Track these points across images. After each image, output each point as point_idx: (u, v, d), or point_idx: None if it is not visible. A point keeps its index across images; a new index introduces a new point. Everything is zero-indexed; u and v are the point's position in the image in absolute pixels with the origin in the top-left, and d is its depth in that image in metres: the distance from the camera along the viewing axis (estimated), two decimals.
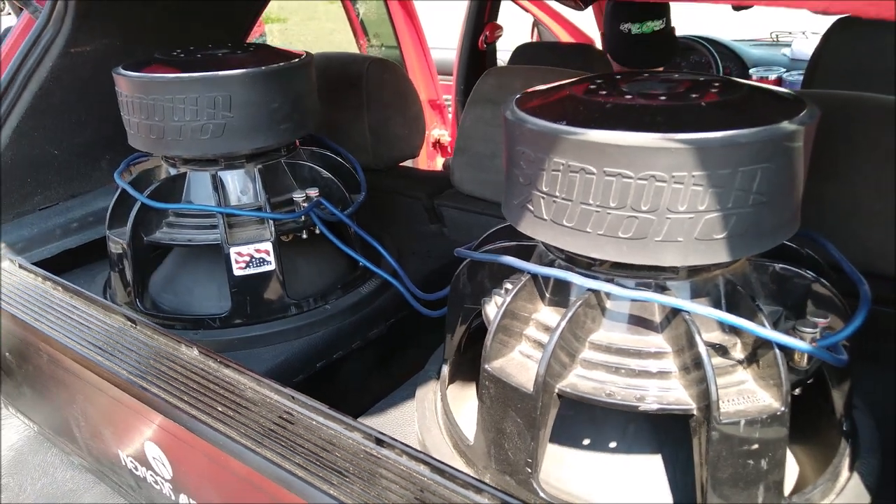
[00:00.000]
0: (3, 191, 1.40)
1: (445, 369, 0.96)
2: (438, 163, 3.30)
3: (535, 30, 3.88)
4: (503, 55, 3.09)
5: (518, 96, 0.82)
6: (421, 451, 0.66)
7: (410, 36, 3.25)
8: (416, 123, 1.72)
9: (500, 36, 3.02)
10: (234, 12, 1.63)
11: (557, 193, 0.70)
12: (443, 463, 0.65)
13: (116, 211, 1.20)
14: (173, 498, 0.83)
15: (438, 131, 3.19)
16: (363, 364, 1.26)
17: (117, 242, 1.19)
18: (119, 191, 1.20)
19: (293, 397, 0.74)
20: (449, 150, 3.29)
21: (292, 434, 0.70)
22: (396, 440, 0.67)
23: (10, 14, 6.57)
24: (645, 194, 0.65)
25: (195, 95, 1.09)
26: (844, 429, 0.81)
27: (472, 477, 0.63)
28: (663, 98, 0.75)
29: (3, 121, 1.35)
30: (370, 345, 1.27)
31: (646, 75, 0.84)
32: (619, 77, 0.85)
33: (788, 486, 0.77)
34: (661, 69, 2.34)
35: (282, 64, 1.16)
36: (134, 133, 1.17)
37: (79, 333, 0.90)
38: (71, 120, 1.44)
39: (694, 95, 0.75)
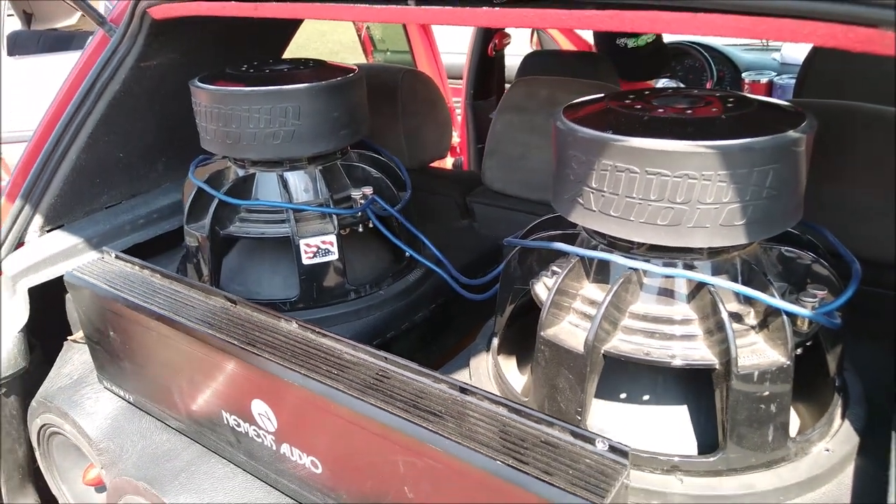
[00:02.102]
0: (75, 190, 1.54)
1: (496, 341, 1.11)
2: (448, 162, 3.45)
3: (535, 35, 4.04)
4: (510, 60, 3.26)
5: (563, 108, 0.98)
6: (499, 396, 0.82)
7: (422, 41, 3.40)
8: (445, 127, 1.88)
9: (508, 43, 3.18)
10: (269, 33, 1.79)
11: (605, 189, 0.85)
12: (518, 404, 0.80)
13: (193, 208, 1.35)
14: (275, 448, 0.98)
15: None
16: (409, 343, 1.42)
17: (195, 235, 1.34)
18: (195, 189, 1.34)
19: (386, 358, 0.90)
20: (458, 150, 3.45)
21: (389, 387, 0.86)
22: (478, 388, 0.83)
23: (12, 15, 6.64)
24: (679, 189, 0.81)
25: (269, 106, 1.24)
26: (837, 385, 0.97)
27: (544, 413, 0.78)
28: (689, 111, 0.91)
29: (80, 127, 1.49)
30: (416, 326, 1.42)
31: (669, 91, 1.01)
32: (647, 92, 1.01)
33: (792, 431, 0.92)
34: (676, 84, 2.52)
35: (341, 78, 1.32)
36: (210, 138, 1.32)
37: (186, 312, 1.05)
38: (136, 126, 1.58)
39: (714, 109, 0.91)
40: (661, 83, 3.76)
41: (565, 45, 3.56)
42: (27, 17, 7.29)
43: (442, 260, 1.37)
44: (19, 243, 1.49)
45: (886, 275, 1.17)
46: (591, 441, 0.74)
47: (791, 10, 0.76)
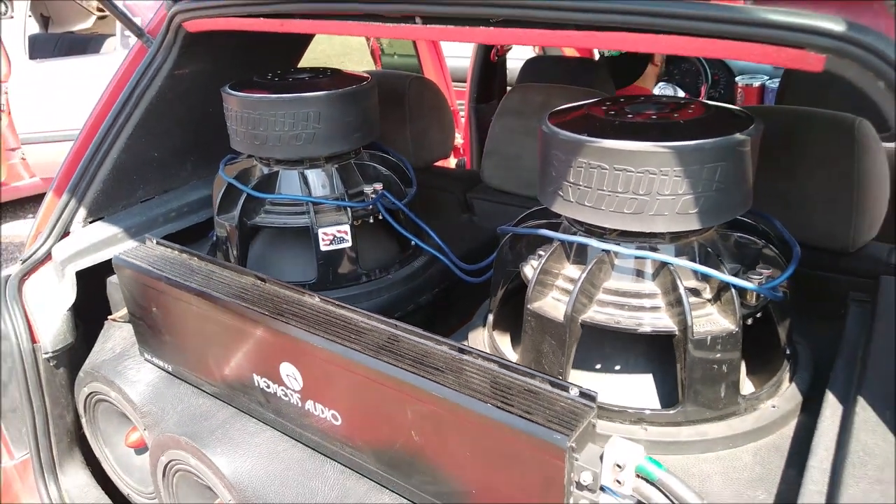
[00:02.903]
0: (115, 186, 1.71)
1: (491, 317, 1.27)
2: (452, 162, 3.61)
3: None
4: (513, 63, 3.41)
5: (549, 114, 1.14)
6: (491, 354, 0.98)
7: (428, 47, 3.56)
8: (449, 130, 2.05)
9: (510, 49, 3.34)
10: (288, 45, 1.95)
11: (581, 183, 1.01)
12: (506, 360, 0.96)
13: (223, 201, 1.51)
14: (300, 405, 1.14)
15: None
16: (414, 324, 1.57)
17: (224, 225, 1.50)
18: (226, 185, 1.51)
19: (396, 325, 1.06)
20: (461, 151, 3.61)
21: (398, 349, 1.02)
22: (474, 348, 0.99)
23: (12, 17, 6.78)
24: (642, 183, 0.96)
25: (292, 111, 1.41)
26: (787, 353, 1.12)
27: (527, 367, 0.94)
28: (654, 117, 1.06)
29: (120, 129, 1.65)
30: (420, 308, 1.58)
31: (642, 99, 1.16)
32: (622, 100, 1.17)
33: (747, 391, 1.08)
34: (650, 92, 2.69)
35: (356, 86, 1.48)
36: (239, 139, 1.49)
37: (221, 289, 1.21)
38: (169, 128, 1.75)
39: (675, 115, 1.07)
40: (659, 87, 3.92)
41: (568, 50, 3.72)
42: (44, 21, 7.47)
43: (443, 248, 1.53)
44: (65, 233, 1.66)
45: (836, 261, 1.32)
46: (565, 389, 0.90)
47: (737, 34, 0.92)
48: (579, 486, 0.86)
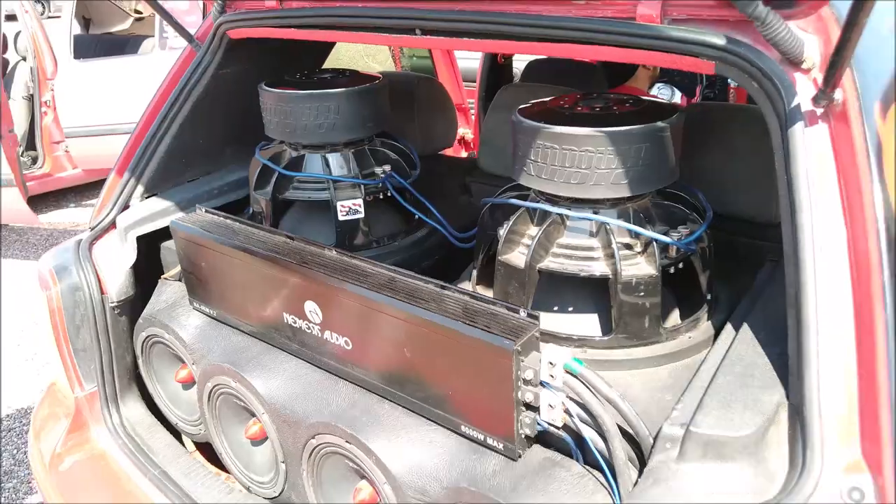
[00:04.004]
0: (166, 168, 2.02)
1: (474, 272, 1.57)
2: (463, 155, 3.91)
3: None
4: (517, 65, 3.70)
5: (519, 108, 1.43)
6: (465, 290, 1.27)
7: (441, 51, 3.86)
8: (452, 123, 2.34)
9: (522, 53, 3.62)
10: (314, 50, 2.26)
11: (539, 160, 1.30)
12: (476, 293, 1.26)
13: (259, 179, 1.82)
14: (320, 335, 1.44)
15: (463, 130, 3.80)
16: None
17: (259, 200, 1.81)
18: (261, 166, 1.82)
19: (395, 271, 1.36)
20: (472, 145, 3.91)
21: (396, 286, 1.31)
22: (450, 286, 1.28)
23: (59, 17, 7.14)
24: (584, 160, 1.25)
25: (317, 104, 1.71)
26: (707, 298, 1.40)
27: (491, 298, 1.24)
28: (598, 109, 1.35)
29: (172, 120, 1.97)
30: (423, 272, 1.87)
31: (595, 95, 1.45)
32: (579, 96, 1.46)
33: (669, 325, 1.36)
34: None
35: (369, 84, 1.78)
36: (272, 128, 1.80)
37: (259, 246, 1.52)
38: (212, 120, 2.05)
39: (615, 108, 1.35)
40: (657, 87, 4.17)
41: None
42: (86, 22, 7.87)
43: (441, 220, 1.83)
44: (126, 206, 1.98)
45: (764, 231, 1.59)
46: (516, 311, 1.19)
47: (655, 46, 1.20)
48: (525, 382, 1.15)
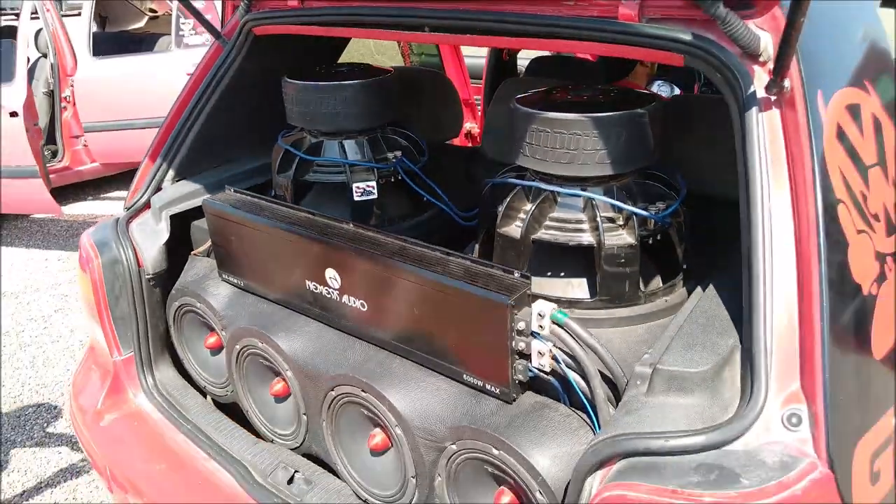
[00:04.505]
0: (195, 154, 2.20)
1: (476, 246, 1.75)
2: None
3: None
4: (521, 62, 3.88)
5: (517, 97, 1.60)
6: (466, 255, 1.45)
7: (448, 47, 4.03)
8: (458, 114, 2.52)
9: (520, 50, 3.80)
10: (330, 45, 2.44)
11: (533, 142, 1.47)
12: (475, 258, 1.43)
13: (281, 164, 2.00)
14: (339, 299, 1.62)
15: (470, 124, 3.98)
16: None
17: (282, 182, 2.00)
18: (283, 151, 2.00)
19: (404, 240, 1.54)
20: (478, 139, 4.08)
21: (406, 253, 1.49)
22: (455, 252, 1.46)
23: (79, 14, 7.32)
24: (572, 142, 1.43)
25: (334, 95, 1.89)
26: (683, 267, 1.58)
27: (489, 262, 1.41)
28: (586, 98, 1.53)
29: (200, 110, 2.15)
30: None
31: (584, 86, 1.63)
32: (570, 87, 1.63)
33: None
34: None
35: (380, 77, 1.96)
36: (294, 116, 1.98)
37: (284, 221, 1.70)
38: (236, 110, 2.24)
39: (601, 97, 1.53)
40: (657, 84, 4.34)
41: None
42: (102, 20, 8.07)
43: (446, 201, 2.01)
44: (158, 188, 2.16)
45: (735, 209, 1.76)
46: (511, 273, 1.37)
47: (632, 41, 1.37)
48: (518, 333, 1.33)
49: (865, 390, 1.18)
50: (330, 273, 1.61)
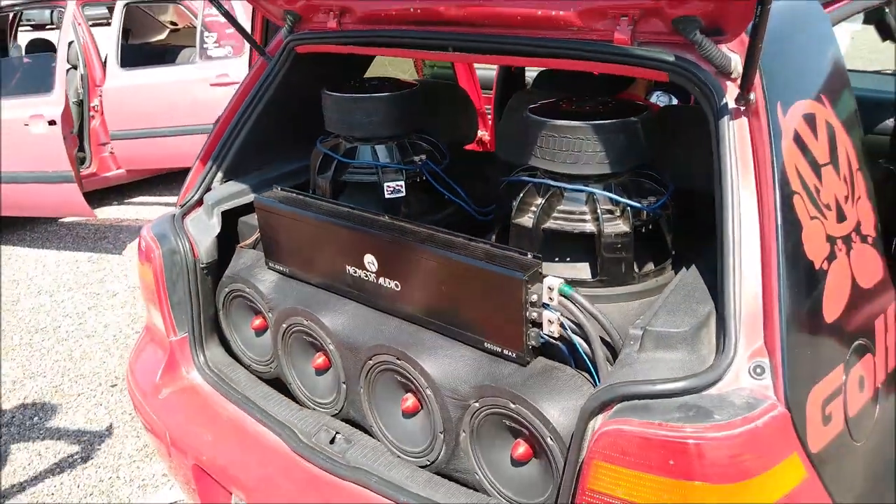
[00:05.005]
0: (241, 157, 2.46)
1: (493, 237, 2.00)
2: None
3: None
4: (529, 74, 4.14)
5: (530, 107, 1.86)
6: (486, 241, 1.71)
7: (463, 63, 4.30)
8: (472, 122, 2.79)
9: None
10: (358, 61, 2.72)
11: (543, 146, 1.74)
12: (494, 244, 1.69)
13: (321, 166, 2.27)
14: (376, 281, 1.88)
15: (481, 132, 4.24)
16: None
17: (321, 183, 2.26)
18: (322, 155, 2.27)
19: (433, 228, 1.80)
20: (489, 145, 4.35)
21: (435, 239, 1.75)
22: (476, 237, 1.72)
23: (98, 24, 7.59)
24: (576, 145, 1.69)
25: (368, 105, 2.16)
26: (672, 252, 1.83)
27: (506, 246, 1.67)
28: (588, 108, 1.79)
29: (247, 119, 2.42)
30: None
31: (587, 98, 1.89)
32: (574, 99, 1.90)
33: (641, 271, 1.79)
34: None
35: (407, 90, 2.23)
36: (332, 124, 2.24)
37: (325, 214, 1.97)
38: (278, 119, 2.50)
39: (601, 108, 1.79)
40: (656, 95, 4.60)
41: None
42: (125, 33, 8.39)
43: (465, 198, 2.27)
44: (209, 188, 2.43)
45: None
46: (525, 254, 1.63)
47: (626, 61, 1.63)
48: (531, 304, 1.59)
49: (818, 348, 1.44)
50: (368, 258, 1.88)
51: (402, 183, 2.20)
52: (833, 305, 1.48)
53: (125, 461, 3.27)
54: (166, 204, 6.77)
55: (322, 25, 2.21)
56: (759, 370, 1.35)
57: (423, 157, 2.27)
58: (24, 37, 7.53)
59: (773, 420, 1.30)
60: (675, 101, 4.55)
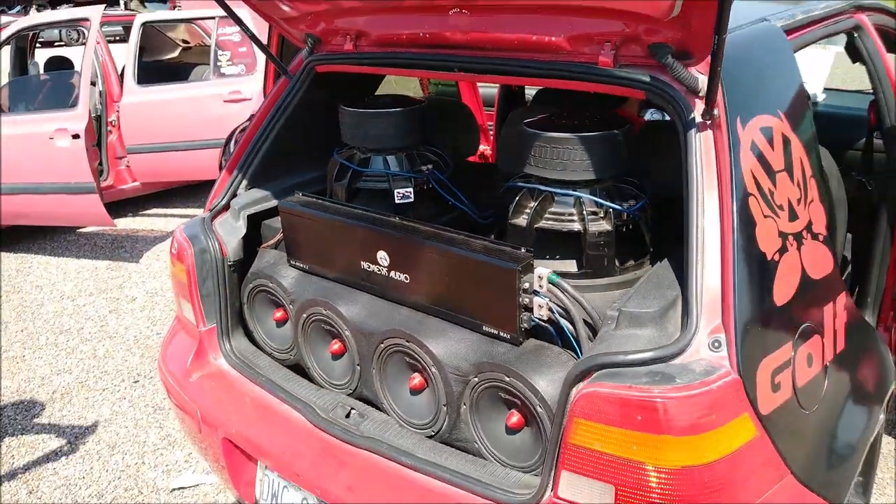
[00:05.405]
0: (264, 167, 2.72)
1: (492, 237, 2.25)
2: None
3: None
4: (529, 92, 4.40)
5: (525, 121, 2.11)
6: (484, 237, 1.95)
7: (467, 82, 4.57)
8: (474, 136, 3.05)
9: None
10: (371, 80, 2.98)
11: (537, 155, 1.99)
12: (491, 240, 1.94)
13: (338, 174, 2.52)
14: (386, 273, 2.12)
15: (483, 147, 4.50)
16: None
17: (338, 188, 2.51)
18: (339, 164, 2.52)
19: (437, 227, 2.04)
20: (491, 159, 4.61)
21: (439, 236, 2.00)
22: (475, 234, 1.96)
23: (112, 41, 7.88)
24: (565, 154, 1.94)
25: (380, 120, 2.42)
26: (651, 249, 2.07)
27: (503, 242, 1.92)
28: (577, 122, 2.05)
29: (269, 133, 2.68)
30: None
31: (576, 113, 2.14)
32: (565, 113, 2.15)
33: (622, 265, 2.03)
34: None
35: (415, 106, 2.49)
36: (348, 136, 2.50)
37: (342, 216, 2.21)
38: (298, 132, 2.75)
39: (588, 122, 2.04)
40: (650, 112, 4.86)
41: None
42: (140, 51, 8.70)
43: (467, 203, 2.52)
44: (234, 194, 2.68)
45: None
46: (518, 249, 1.87)
47: (607, 81, 1.88)
48: (524, 291, 1.83)
49: (768, 326, 1.67)
50: (381, 254, 2.12)
51: (411, 190, 2.45)
52: (783, 291, 1.72)
53: (149, 448, 3.50)
54: (181, 215, 7.04)
55: (339, 48, 2.47)
56: (716, 344, 1.58)
57: (430, 166, 2.52)
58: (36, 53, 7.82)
59: (726, 384, 1.54)
60: (667, 118, 4.82)
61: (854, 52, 2.81)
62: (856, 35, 2.72)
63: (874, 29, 2.78)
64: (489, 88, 5.01)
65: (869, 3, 2.82)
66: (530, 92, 4.29)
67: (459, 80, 3.94)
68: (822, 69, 4.30)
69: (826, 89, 4.35)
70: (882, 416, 2.42)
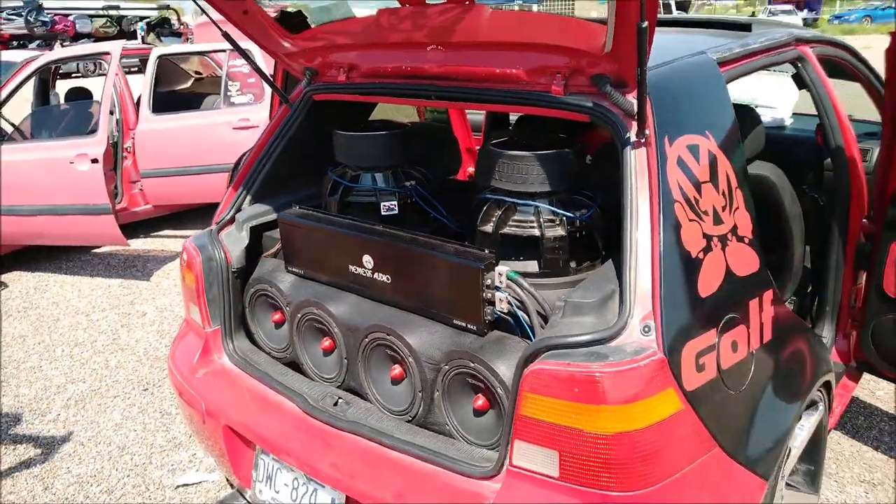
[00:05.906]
0: (266, 186, 3.01)
1: (467, 243, 2.53)
2: None
3: None
4: (513, 118, 4.71)
5: (492, 142, 2.41)
6: (454, 241, 2.23)
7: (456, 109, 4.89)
8: (455, 156, 3.35)
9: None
10: (363, 107, 3.30)
11: (500, 170, 2.27)
12: (462, 244, 2.22)
13: (331, 189, 2.82)
14: (371, 275, 2.40)
15: (471, 169, 4.80)
16: None
17: (332, 202, 2.80)
18: (332, 181, 2.82)
19: (415, 234, 2.33)
20: None
21: (416, 241, 2.28)
22: (447, 239, 2.24)
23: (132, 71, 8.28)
24: (525, 169, 2.22)
25: (369, 142, 2.72)
26: (602, 253, 2.35)
27: (470, 245, 2.20)
28: (536, 143, 2.34)
29: (271, 155, 2.98)
30: None
31: (536, 134, 2.43)
32: (529, 135, 2.44)
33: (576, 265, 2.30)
34: None
35: (399, 130, 2.79)
36: (341, 156, 2.80)
37: (336, 227, 2.50)
38: (296, 155, 3.05)
39: (546, 142, 2.33)
40: None
41: None
42: (155, 81, 9.10)
43: (445, 215, 2.81)
44: (239, 209, 2.98)
45: None
46: (483, 251, 2.15)
47: (555, 106, 2.17)
48: (487, 287, 2.10)
49: (693, 314, 1.94)
50: (366, 258, 2.40)
51: (396, 203, 2.74)
52: (707, 285, 1.98)
53: (156, 450, 3.75)
54: (190, 236, 7.34)
55: (334, 79, 2.78)
56: (646, 329, 1.85)
57: (413, 182, 2.81)
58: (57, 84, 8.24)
59: (652, 363, 1.80)
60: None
61: (799, 81, 3.10)
62: (799, 65, 3.01)
63: (817, 59, 3.07)
64: (478, 116, 5.34)
65: (811, 36, 3.12)
66: (514, 117, 4.59)
67: (436, 106, 4.26)
68: (791, 96, 4.60)
69: (795, 114, 4.65)
70: (822, 406, 2.67)
